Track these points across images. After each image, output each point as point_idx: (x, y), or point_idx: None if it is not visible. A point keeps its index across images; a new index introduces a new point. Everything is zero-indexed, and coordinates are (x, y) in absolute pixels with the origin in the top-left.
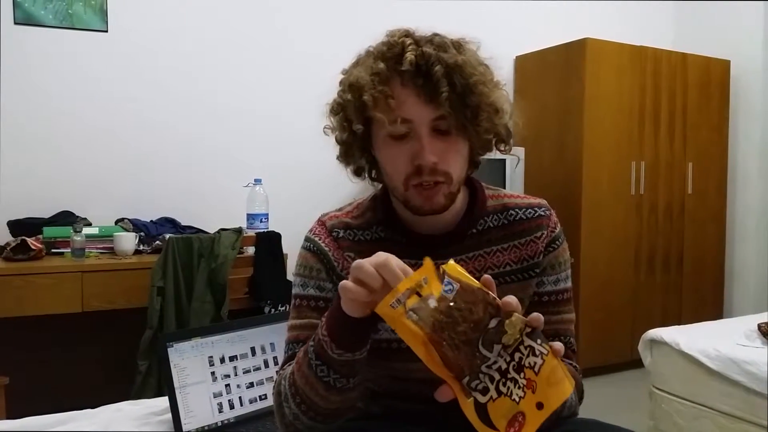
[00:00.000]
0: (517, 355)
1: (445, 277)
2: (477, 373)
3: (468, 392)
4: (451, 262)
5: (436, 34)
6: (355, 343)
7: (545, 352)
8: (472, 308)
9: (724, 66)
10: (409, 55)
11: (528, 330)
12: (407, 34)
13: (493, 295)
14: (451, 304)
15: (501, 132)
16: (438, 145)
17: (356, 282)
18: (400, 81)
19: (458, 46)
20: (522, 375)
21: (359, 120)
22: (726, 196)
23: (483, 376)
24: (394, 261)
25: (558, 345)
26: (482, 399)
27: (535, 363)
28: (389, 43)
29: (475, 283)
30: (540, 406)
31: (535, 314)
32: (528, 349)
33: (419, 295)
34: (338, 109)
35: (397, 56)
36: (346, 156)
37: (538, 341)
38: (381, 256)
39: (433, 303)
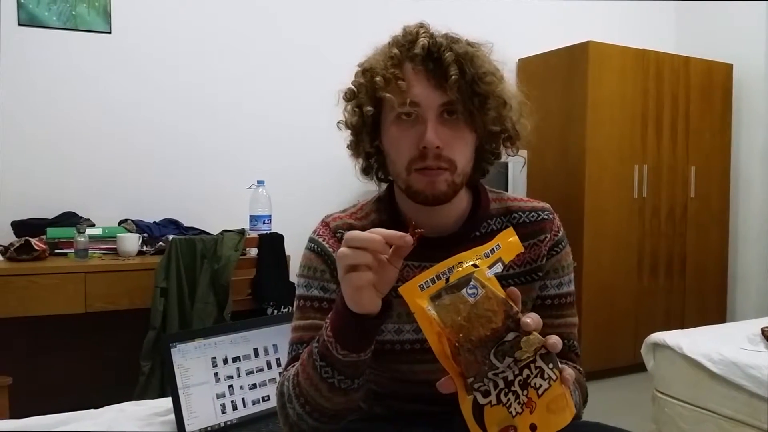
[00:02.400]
0: (525, 372)
1: (471, 281)
2: (482, 377)
3: (470, 390)
4: (483, 267)
5: (450, 32)
6: (360, 343)
7: (554, 377)
8: (492, 317)
9: (727, 69)
10: (422, 40)
11: (543, 351)
12: (422, 25)
13: (516, 308)
14: (472, 309)
15: (508, 126)
16: (444, 131)
17: (348, 269)
18: (411, 65)
19: (471, 43)
20: (525, 393)
21: (370, 102)
22: (729, 200)
23: (487, 381)
24: (356, 232)
25: (568, 372)
26: (482, 401)
27: (541, 386)
28: (405, 31)
29: (501, 292)
30: (533, 428)
31: (554, 338)
32: (538, 370)
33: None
34: (351, 94)
35: (410, 42)
36: (356, 142)
37: (550, 365)
38: (346, 236)
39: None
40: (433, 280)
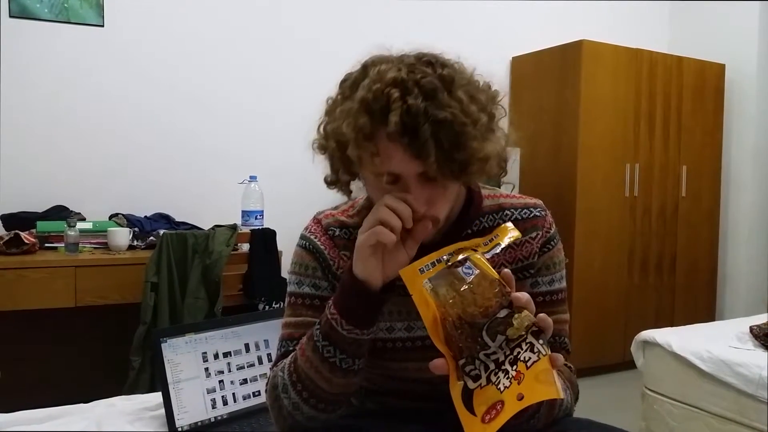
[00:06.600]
0: (516, 350)
1: (467, 262)
2: (474, 359)
3: (460, 375)
4: (476, 253)
5: (425, 71)
6: (365, 317)
7: (543, 352)
8: (486, 295)
9: (719, 69)
10: (393, 117)
11: (534, 329)
12: (394, 82)
13: (508, 288)
14: (467, 286)
15: (492, 174)
16: (426, 191)
17: (377, 222)
18: (385, 136)
19: (450, 81)
20: (514, 368)
21: (345, 171)
22: (719, 199)
23: (479, 363)
24: (397, 199)
25: (558, 355)
26: (472, 385)
27: (530, 359)
28: (374, 93)
29: (495, 274)
30: (520, 397)
31: (543, 315)
32: (528, 345)
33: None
34: (322, 150)
35: (382, 109)
36: (332, 183)
37: (540, 341)
38: (388, 197)
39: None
40: (433, 264)
